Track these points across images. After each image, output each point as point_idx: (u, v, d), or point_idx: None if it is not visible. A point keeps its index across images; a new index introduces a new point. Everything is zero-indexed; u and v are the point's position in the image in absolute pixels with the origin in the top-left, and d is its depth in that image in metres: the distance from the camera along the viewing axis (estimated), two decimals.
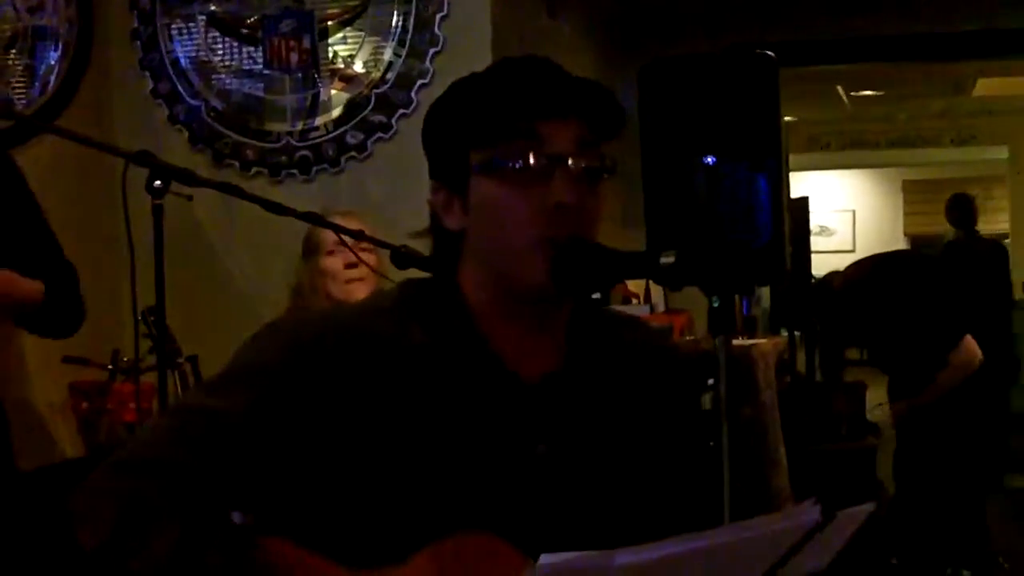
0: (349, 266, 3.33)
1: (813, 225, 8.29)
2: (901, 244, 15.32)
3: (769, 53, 3.63)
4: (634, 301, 5.18)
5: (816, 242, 7.84)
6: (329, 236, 3.32)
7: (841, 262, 5.52)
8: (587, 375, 1.56)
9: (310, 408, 1.45)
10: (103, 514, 1.41)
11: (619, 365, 1.61)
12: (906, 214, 16.08)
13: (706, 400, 4.13)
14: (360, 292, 3.31)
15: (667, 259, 1.39)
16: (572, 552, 1.05)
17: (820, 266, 6.77)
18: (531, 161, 1.46)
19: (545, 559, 1.04)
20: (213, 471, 1.42)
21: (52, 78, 4.30)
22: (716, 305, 1.37)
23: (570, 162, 1.46)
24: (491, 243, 1.50)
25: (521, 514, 1.47)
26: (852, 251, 14.78)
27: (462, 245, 1.54)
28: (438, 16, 4.29)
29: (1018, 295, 9.49)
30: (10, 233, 2.84)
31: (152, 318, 2.96)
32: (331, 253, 3.36)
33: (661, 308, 5.29)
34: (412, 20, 4.30)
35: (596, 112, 1.50)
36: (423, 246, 2.89)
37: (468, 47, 4.27)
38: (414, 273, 2.83)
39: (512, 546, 1.43)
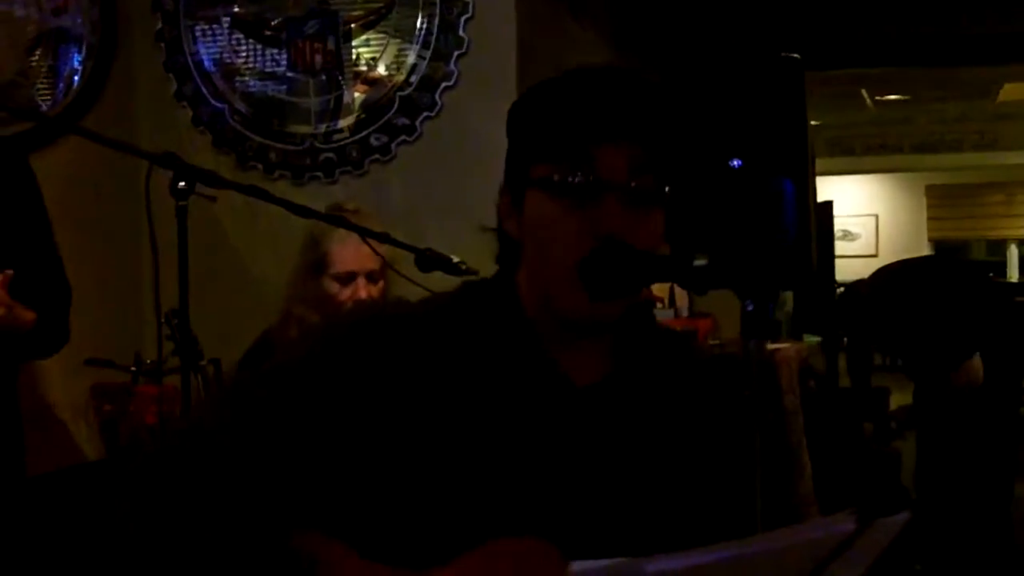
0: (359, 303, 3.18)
1: (836, 229, 8.25)
2: (924, 249, 15.26)
3: (795, 56, 3.61)
4: (659, 305, 5.16)
5: (839, 246, 7.81)
6: (343, 262, 3.17)
7: (863, 266, 5.49)
8: (636, 383, 1.57)
9: (360, 408, 1.45)
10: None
11: (666, 376, 1.60)
12: (929, 219, 16.01)
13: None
14: None
15: (700, 261, 1.38)
16: (603, 560, 1.04)
17: (842, 270, 6.74)
18: (581, 184, 1.45)
19: (576, 566, 1.03)
20: (258, 464, 1.43)
21: (76, 80, 4.31)
22: (750, 309, 1.35)
23: (621, 188, 1.45)
24: (538, 262, 1.51)
25: (568, 517, 1.46)
26: (875, 256, 14.73)
27: (522, 251, 1.54)
28: (463, 18, 4.27)
29: None
30: (15, 245, 2.80)
31: (175, 320, 2.95)
32: (342, 283, 3.18)
33: (685, 312, 5.26)
34: (436, 22, 4.28)
35: (652, 137, 1.48)
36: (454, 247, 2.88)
37: (493, 49, 4.25)
38: (438, 276, 2.84)
39: (559, 552, 1.41)
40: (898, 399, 6.44)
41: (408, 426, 1.45)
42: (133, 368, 3.86)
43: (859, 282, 5.66)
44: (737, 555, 1.04)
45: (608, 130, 1.46)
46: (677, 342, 1.70)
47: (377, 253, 3.00)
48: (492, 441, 1.47)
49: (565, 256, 1.45)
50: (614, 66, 1.53)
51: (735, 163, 3.52)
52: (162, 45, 4.60)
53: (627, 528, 1.49)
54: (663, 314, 4.88)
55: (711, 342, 4.85)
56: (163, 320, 2.99)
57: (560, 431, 1.50)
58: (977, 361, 5.04)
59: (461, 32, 4.27)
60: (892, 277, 5.43)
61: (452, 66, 4.28)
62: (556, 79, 1.54)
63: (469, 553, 1.40)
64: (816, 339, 6.58)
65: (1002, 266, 15.90)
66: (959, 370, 5.01)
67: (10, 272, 2.65)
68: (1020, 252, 15.88)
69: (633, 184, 1.45)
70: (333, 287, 3.18)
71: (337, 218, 2.94)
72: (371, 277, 3.17)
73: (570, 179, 1.45)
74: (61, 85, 4.27)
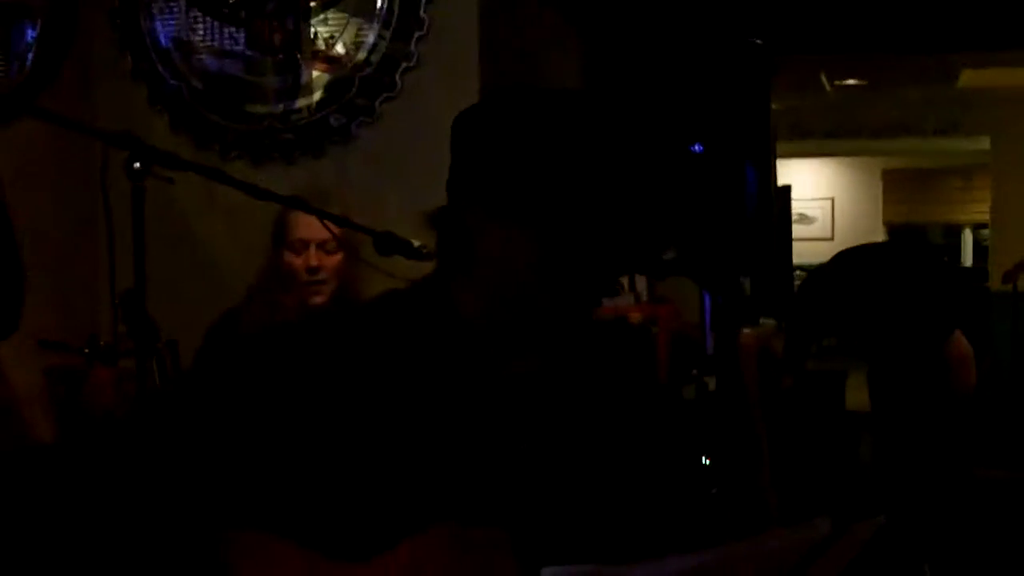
0: (310, 271, 3.21)
1: (792, 213, 8.28)
2: (880, 233, 15.34)
3: (760, 41, 3.59)
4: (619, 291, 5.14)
5: (795, 230, 7.84)
6: (296, 230, 3.20)
7: (819, 250, 5.49)
8: (571, 369, 1.60)
9: (297, 401, 1.47)
10: None
11: (600, 362, 1.65)
12: (885, 203, 16.10)
13: (691, 391, 4.08)
14: (318, 298, 3.21)
15: (669, 255, 1.38)
16: (574, 566, 1.02)
17: (798, 254, 6.75)
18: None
19: (547, 572, 1.01)
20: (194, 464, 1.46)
21: (29, 57, 4.23)
22: (719, 302, 1.34)
23: None
24: (501, 289, 1.53)
25: (506, 505, 1.47)
26: (831, 239, 14.79)
27: (472, 253, 1.53)
28: None
29: (996, 287, 9.53)
30: None
31: (130, 302, 2.90)
32: (295, 252, 3.21)
33: (645, 297, 5.25)
34: (397, 2, 4.23)
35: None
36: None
37: (454, 31, 4.21)
38: (397, 259, 2.80)
39: (508, 538, 1.41)
40: (854, 382, 6.45)
41: (343, 416, 1.47)
42: (87, 350, 3.80)
43: (821, 267, 5.67)
44: (710, 561, 1.02)
45: None
46: (611, 328, 1.74)
47: (331, 230, 2.99)
48: (429, 428, 1.48)
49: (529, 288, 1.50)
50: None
51: (696, 148, 3.50)
52: (118, 22, 4.52)
53: (568, 510, 1.50)
54: (624, 299, 4.87)
55: (672, 327, 4.84)
56: (118, 302, 2.94)
57: (497, 417, 1.52)
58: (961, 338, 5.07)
59: (422, 13, 4.23)
60: (853, 261, 5.45)
61: (413, 47, 4.24)
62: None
63: (413, 538, 1.41)
64: (772, 322, 6.58)
65: (956, 250, 16.02)
66: (950, 344, 5.04)
67: None
68: (975, 237, 15.99)
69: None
70: (288, 257, 3.20)
71: (296, 200, 2.91)
72: (323, 247, 3.16)
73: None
74: (15, 63, 4.19)
